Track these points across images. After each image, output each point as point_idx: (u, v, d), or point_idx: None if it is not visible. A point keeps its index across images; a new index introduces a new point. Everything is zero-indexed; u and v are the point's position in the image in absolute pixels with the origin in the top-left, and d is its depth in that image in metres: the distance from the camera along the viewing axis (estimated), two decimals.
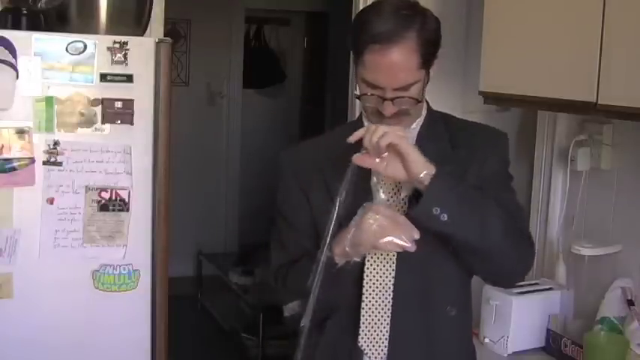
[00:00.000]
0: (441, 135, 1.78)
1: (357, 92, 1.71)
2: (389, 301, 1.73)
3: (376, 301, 1.73)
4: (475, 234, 1.62)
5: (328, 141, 1.87)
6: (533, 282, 2.52)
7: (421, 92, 1.70)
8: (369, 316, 1.73)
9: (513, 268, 1.75)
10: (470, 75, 2.72)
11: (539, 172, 2.79)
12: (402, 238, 1.58)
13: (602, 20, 1.98)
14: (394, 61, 1.62)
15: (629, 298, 2.29)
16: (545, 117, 2.74)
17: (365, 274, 1.72)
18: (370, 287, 1.73)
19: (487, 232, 1.63)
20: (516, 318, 2.34)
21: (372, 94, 1.66)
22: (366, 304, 1.73)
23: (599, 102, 1.99)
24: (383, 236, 1.58)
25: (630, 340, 2.18)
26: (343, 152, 1.66)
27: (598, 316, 2.31)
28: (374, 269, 1.73)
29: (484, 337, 2.38)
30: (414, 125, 1.76)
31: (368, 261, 1.72)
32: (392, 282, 1.72)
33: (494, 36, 2.36)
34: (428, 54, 1.66)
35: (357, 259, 1.65)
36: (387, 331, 1.73)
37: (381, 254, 1.71)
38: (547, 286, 2.47)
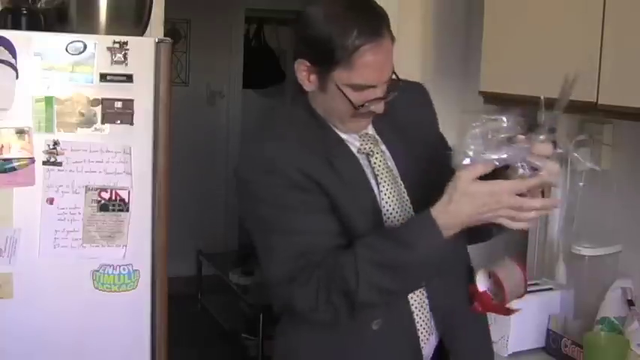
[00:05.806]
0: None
1: (351, 102, 1.53)
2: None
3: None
4: None
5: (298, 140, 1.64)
6: (533, 282, 2.51)
7: None
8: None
9: None
10: (470, 75, 2.72)
11: None
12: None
13: (602, 20, 1.98)
14: (387, 54, 1.52)
15: (629, 298, 2.29)
16: None
17: None
18: None
19: None
20: (516, 318, 2.31)
21: (374, 99, 1.54)
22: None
23: (599, 102, 1.99)
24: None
25: (630, 340, 2.17)
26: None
27: (598, 316, 2.31)
28: None
29: None
30: None
31: None
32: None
33: (495, 36, 2.36)
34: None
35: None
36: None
37: None
38: (547, 286, 2.47)
